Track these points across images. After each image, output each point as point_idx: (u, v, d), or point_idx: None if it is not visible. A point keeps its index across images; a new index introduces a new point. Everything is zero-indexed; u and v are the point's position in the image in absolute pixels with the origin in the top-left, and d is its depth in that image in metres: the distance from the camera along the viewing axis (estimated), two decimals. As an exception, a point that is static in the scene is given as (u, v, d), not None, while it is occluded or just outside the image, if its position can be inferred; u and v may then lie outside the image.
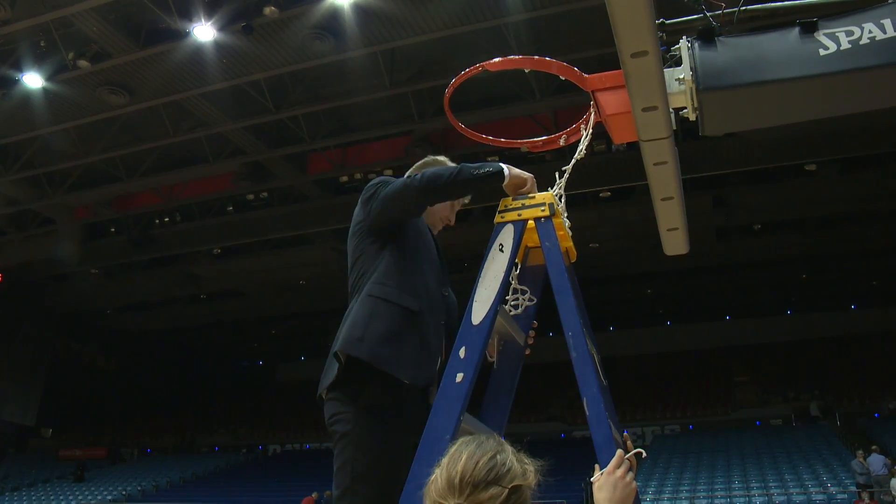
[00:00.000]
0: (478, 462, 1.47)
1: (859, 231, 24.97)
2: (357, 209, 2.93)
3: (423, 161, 3.20)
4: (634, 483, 1.98)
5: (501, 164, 2.75)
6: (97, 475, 29.71)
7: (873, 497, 16.98)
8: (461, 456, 1.49)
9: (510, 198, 2.77)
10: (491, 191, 2.88)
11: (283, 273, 27.92)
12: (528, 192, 2.78)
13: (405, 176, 3.19)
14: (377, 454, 2.52)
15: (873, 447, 18.66)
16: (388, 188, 2.78)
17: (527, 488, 1.50)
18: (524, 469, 1.52)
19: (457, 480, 1.45)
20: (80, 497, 26.11)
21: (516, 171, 2.78)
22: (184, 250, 25.88)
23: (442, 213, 3.16)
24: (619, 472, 1.96)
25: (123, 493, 26.49)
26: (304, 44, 15.34)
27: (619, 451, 2.05)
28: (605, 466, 2.05)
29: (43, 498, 26.51)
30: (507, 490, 1.44)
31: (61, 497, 26.49)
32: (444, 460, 1.52)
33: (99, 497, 26.06)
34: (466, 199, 3.24)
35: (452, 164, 3.16)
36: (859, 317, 33.35)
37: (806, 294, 33.66)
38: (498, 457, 1.49)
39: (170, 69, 16.01)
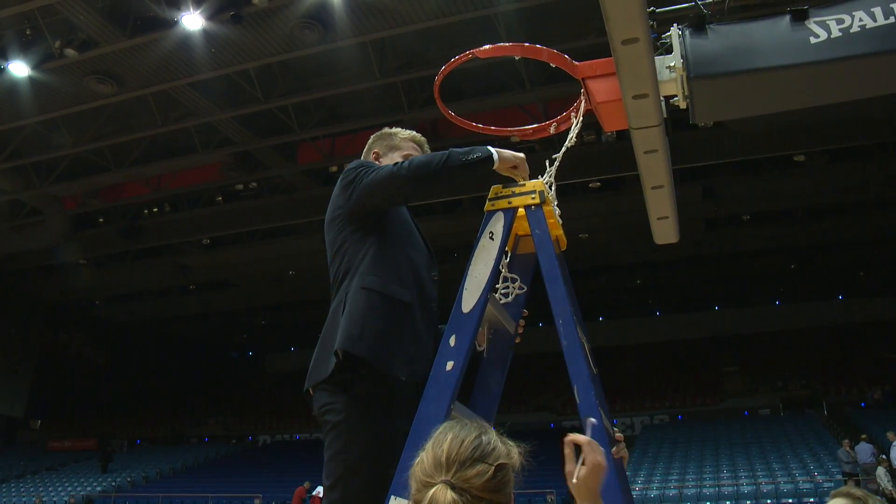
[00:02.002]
0: (463, 441, 1.49)
1: (847, 222, 25.12)
2: (335, 193, 2.86)
3: (379, 133, 3.14)
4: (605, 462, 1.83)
5: (490, 148, 2.71)
6: (86, 467, 29.63)
7: (859, 485, 17.12)
8: (446, 437, 1.50)
9: (500, 185, 2.75)
10: (480, 179, 2.86)
11: (273, 263, 27.84)
12: (521, 173, 2.77)
13: (366, 149, 3.12)
14: (369, 443, 2.49)
15: (862, 436, 18.80)
16: (371, 175, 2.70)
17: (511, 468, 1.50)
18: (508, 449, 1.53)
19: (443, 459, 1.46)
20: (69, 489, 26.04)
21: (506, 153, 2.75)
22: (173, 241, 25.79)
23: None
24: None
25: (113, 484, 26.43)
26: (293, 33, 15.25)
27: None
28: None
29: (32, 489, 26.41)
30: (493, 467, 1.45)
31: (50, 489, 26.40)
32: (429, 443, 1.52)
33: (88, 488, 25.99)
34: (426, 147, 3.18)
35: (407, 136, 3.11)
36: (846, 307, 33.55)
37: (794, 284, 33.84)
38: (483, 437, 1.50)
39: (158, 58, 15.89)
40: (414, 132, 3.16)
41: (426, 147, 3.13)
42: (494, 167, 2.72)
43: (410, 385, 2.61)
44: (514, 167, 2.77)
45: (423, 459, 1.49)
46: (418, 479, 1.47)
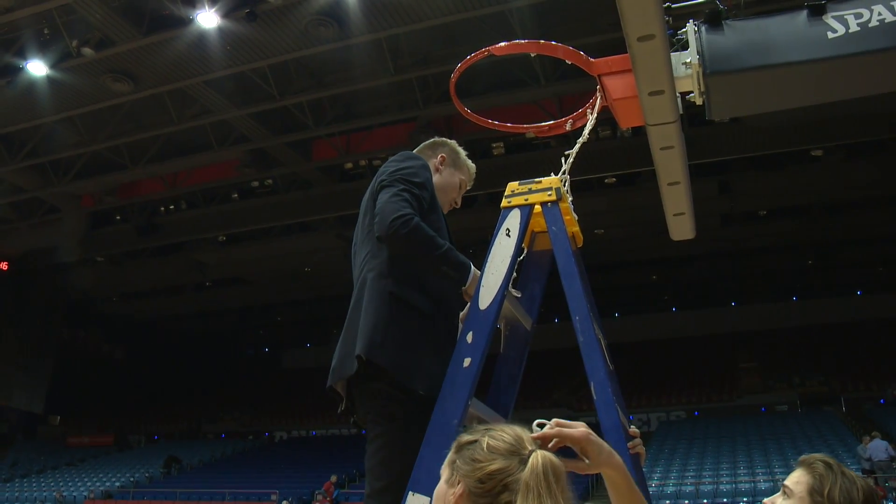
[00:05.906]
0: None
1: (865, 217, 24.91)
2: (379, 175, 2.83)
3: (449, 143, 3.16)
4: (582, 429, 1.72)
5: (471, 275, 2.65)
6: (104, 462, 29.89)
7: (878, 483, 16.98)
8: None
9: (517, 182, 2.75)
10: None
11: (289, 260, 27.95)
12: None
13: (430, 145, 3.14)
14: None
15: (874, 433, 18.58)
16: (385, 206, 2.63)
17: (480, 451, 1.49)
18: (497, 446, 1.51)
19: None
20: (88, 484, 26.26)
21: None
22: (189, 238, 25.92)
23: (451, 195, 3.11)
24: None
25: (131, 479, 26.64)
26: (307, 30, 15.30)
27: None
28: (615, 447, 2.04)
29: (52, 484, 26.67)
30: (462, 442, 1.52)
31: (70, 483, 26.65)
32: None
33: (107, 483, 26.21)
34: (470, 184, 3.21)
35: (470, 167, 3.17)
36: (864, 303, 33.25)
37: (811, 280, 33.60)
38: (507, 430, 1.53)
39: (173, 56, 15.98)
40: (474, 166, 3.22)
41: (470, 184, 3.19)
42: (464, 288, 2.67)
43: None
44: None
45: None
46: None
